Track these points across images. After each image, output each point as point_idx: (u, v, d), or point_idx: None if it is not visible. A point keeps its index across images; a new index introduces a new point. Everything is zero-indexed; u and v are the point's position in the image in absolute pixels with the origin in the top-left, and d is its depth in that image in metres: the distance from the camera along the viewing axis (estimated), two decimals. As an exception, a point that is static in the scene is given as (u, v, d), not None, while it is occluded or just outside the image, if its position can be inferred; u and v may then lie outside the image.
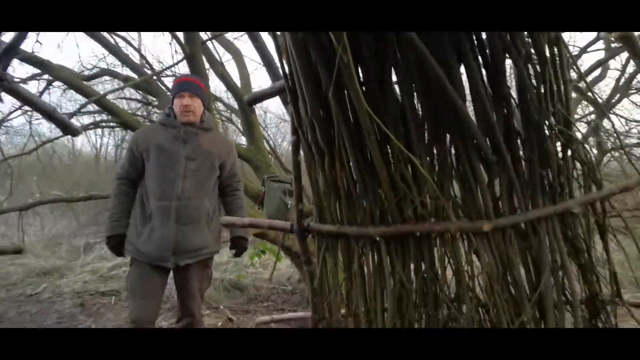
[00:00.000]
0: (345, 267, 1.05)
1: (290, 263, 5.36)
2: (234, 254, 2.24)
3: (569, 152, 0.98)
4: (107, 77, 5.30)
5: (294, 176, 1.03)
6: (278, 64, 2.32)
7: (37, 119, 5.40)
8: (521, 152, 0.96)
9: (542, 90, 0.93)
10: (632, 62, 4.52)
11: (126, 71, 4.67)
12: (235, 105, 5.19)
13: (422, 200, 0.90)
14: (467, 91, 0.94)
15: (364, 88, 0.92)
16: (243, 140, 5.37)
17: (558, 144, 0.97)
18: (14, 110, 4.60)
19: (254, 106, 4.55)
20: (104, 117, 5.02)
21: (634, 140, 5.39)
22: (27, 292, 4.21)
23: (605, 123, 4.77)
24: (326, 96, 0.89)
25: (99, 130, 9.51)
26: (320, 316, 1.16)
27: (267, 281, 5.05)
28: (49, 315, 3.51)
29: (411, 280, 1.00)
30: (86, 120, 6.26)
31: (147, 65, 4.88)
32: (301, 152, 1.03)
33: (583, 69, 4.70)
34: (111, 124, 5.03)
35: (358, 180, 0.98)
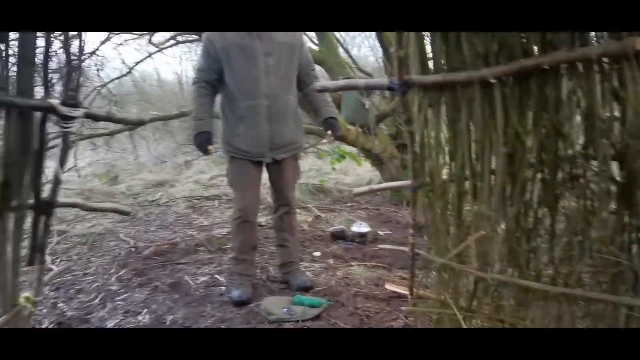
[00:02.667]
0: (449, 125, 0.98)
1: (369, 168, 5.42)
2: (331, 133, 2.21)
3: None
4: None
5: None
6: None
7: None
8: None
9: None
10: None
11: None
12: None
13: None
14: None
15: None
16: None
17: None
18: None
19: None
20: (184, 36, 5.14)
21: None
22: (149, 199, 4.97)
23: None
24: None
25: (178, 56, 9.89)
26: (420, 182, 1.14)
27: (348, 184, 5.23)
28: (169, 214, 4.15)
29: (527, 131, 0.89)
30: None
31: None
32: None
33: None
34: (190, 37, 5.12)
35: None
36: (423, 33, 0.90)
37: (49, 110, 0.75)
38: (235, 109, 2.08)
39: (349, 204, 4.42)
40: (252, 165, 2.14)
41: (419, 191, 1.15)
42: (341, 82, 1.16)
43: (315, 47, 4.42)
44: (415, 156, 1.05)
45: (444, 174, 1.09)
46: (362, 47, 8.55)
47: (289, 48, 2.09)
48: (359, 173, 5.67)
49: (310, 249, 2.97)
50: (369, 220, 3.71)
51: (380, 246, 2.64)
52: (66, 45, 0.72)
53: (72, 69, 0.73)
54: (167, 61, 14.38)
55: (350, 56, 5.11)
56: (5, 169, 0.75)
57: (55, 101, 0.74)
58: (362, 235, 3.01)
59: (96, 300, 2.28)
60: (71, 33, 0.76)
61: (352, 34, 7.91)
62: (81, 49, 0.75)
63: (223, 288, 2.34)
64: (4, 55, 0.77)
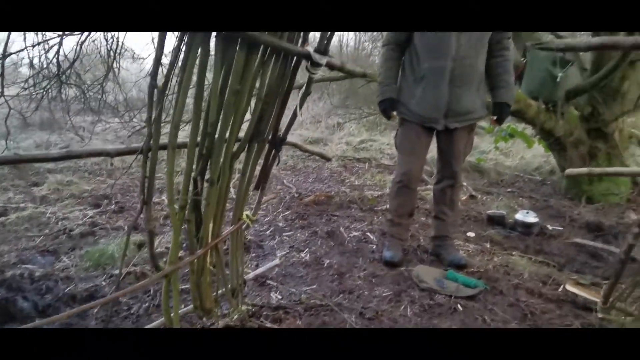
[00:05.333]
0: None
1: (539, 153, 4.70)
2: (496, 119, 2.07)
3: None
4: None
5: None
6: None
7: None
8: None
9: None
10: None
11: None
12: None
13: None
14: None
15: None
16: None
17: None
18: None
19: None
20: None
21: None
22: (306, 154, 5.44)
23: None
24: None
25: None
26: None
27: (509, 168, 4.68)
28: (324, 170, 4.50)
29: None
30: None
31: None
32: None
33: None
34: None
35: None
36: None
37: (305, 56, 0.87)
38: (417, 70, 2.01)
39: (509, 190, 3.97)
40: (423, 130, 2.09)
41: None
42: (596, 40, 0.97)
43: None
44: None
45: None
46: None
47: None
48: (524, 157, 5.00)
49: (463, 228, 2.81)
50: (535, 211, 3.27)
51: (577, 240, 2.29)
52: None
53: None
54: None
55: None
56: (263, 105, 0.91)
57: (311, 49, 0.85)
58: (529, 225, 2.68)
59: (267, 232, 2.69)
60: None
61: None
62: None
63: (374, 246, 2.44)
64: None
